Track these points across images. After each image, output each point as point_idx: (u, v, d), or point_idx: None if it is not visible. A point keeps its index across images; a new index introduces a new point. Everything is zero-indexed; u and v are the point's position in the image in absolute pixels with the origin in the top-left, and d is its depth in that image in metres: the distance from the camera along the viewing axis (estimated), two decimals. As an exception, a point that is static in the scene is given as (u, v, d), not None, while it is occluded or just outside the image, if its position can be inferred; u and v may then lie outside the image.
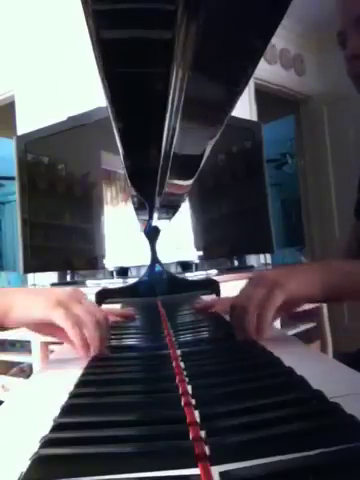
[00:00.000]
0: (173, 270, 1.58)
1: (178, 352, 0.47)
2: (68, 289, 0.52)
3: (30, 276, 2.26)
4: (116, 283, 1.54)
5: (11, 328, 0.50)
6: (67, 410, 0.31)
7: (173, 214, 0.97)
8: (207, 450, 0.23)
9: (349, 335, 1.84)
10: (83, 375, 0.41)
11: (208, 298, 0.94)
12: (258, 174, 2.09)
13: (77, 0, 0.21)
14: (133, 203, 0.84)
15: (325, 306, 1.97)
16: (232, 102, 0.34)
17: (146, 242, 1.02)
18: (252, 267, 2.27)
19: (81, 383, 0.38)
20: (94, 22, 0.22)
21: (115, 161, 1.70)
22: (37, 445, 0.25)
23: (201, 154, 0.48)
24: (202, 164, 0.52)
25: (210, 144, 0.44)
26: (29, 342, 1.82)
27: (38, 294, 0.51)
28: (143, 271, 1.05)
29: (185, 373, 0.38)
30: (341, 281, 0.54)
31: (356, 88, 0.77)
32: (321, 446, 0.22)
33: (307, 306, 1.67)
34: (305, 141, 3.30)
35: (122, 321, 0.72)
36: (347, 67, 0.75)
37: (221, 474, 0.21)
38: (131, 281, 1.10)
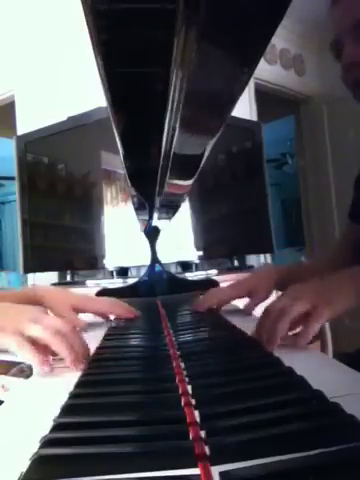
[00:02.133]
0: (173, 270, 1.58)
1: (178, 352, 0.47)
2: (31, 309, 0.51)
3: (30, 276, 2.26)
4: (116, 283, 1.54)
5: None
6: (67, 410, 0.31)
7: (173, 214, 0.97)
8: (207, 450, 0.23)
9: (349, 335, 1.84)
10: (83, 375, 0.41)
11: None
12: (258, 174, 2.09)
13: (77, 0, 0.21)
14: (133, 203, 0.84)
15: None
16: (232, 102, 0.34)
17: (146, 242, 1.02)
18: (252, 267, 2.27)
19: (81, 383, 0.38)
20: (94, 22, 0.22)
21: (115, 161, 1.70)
22: (37, 445, 0.25)
23: (201, 154, 0.48)
24: (202, 164, 0.52)
25: (210, 144, 0.44)
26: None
27: None
28: (143, 271, 1.05)
29: (185, 373, 0.38)
30: None
31: (354, 96, 0.75)
32: (321, 446, 0.22)
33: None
34: (305, 141, 3.30)
35: (123, 319, 0.72)
36: (344, 75, 0.73)
37: (221, 474, 0.21)
38: (131, 281, 1.10)
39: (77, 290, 1.59)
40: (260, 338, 0.50)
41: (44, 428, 0.27)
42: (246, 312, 0.76)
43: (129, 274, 1.64)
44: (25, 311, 0.51)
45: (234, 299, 0.82)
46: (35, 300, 0.69)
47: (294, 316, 0.49)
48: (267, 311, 0.52)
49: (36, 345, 0.46)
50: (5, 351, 0.47)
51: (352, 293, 0.54)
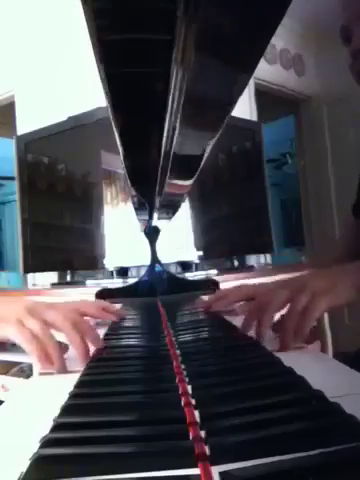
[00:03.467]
0: (173, 270, 1.58)
1: (178, 352, 0.47)
2: (28, 302, 0.51)
3: (30, 276, 2.26)
4: (116, 283, 1.54)
5: None
6: (67, 410, 0.31)
7: (173, 214, 0.97)
8: (207, 450, 0.23)
9: (349, 335, 1.84)
10: (83, 375, 0.41)
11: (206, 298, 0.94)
12: (258, 174, 2.09)
13: (77, 0, 0.21)
14: (133, 203, 0.84)
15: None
16: (232, 102, 0.34)
17: (146, 242, 1.02)
18: (252, 267, 2.27)
19: (81, 383, 0.38)
20: (94, 22, 0.22)
21: (115, 161, 1.70)
22: (37, 445, 0.25)
23: (201, 154, 0.48)
24: (202, 164, 0.52)
25: (210, 144, 0.44)
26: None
27: None
28: (143, 271, 1.05)
29: (185, 373, 0.38)
30: None
31: (359, 84, 0.75)
32: (321, 446, 0.22)
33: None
34: (305, 141, 3.30)
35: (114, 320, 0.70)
36: (351, 63, 0.73)
37: (221, 474, 0.21)
38: (131, 281, 1.10)
39: (76, 291, 1.59)
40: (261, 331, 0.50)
41: (44, 428, 0.27)
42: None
43: (129, 274, 1.64)
44: (20, 301, 0.51)
45: (242, 300, 0.81)
46: None
47: (299, 310, 0.50)
48: (269, 304, 0.52)
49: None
50: (6, 341, 0.47)
51: (351, 286, 0.53)
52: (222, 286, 1.02)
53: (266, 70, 2.75)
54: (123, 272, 1.64)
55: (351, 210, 0.92)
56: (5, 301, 0.52)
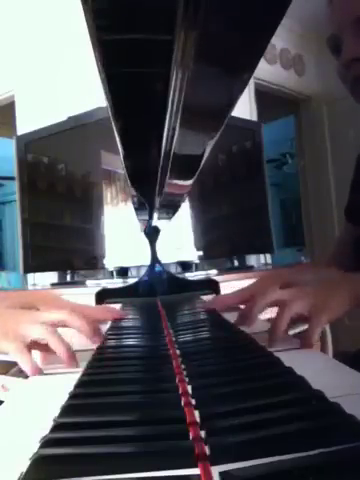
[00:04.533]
0: (173, 270, 1.58)
1: (178, 352, 0.47)
2: (22, 314, 0.51)
3: (30, 276, 2.26)
4: (116, 283, 1.54)
5: None
6: (67, 410, 0.31)
7: (173, 214, 0.97)
8: (207, 450, 0.23)
9: (349, 335, 1.84)
10: (83, 375, 0.41)
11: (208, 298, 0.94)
12: (258, 174, 2.09)
13: (77, 0, 0.21)
14: (133, 203, 0.84)
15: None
16: (232, 102, 0.34)
17: (146, 242, 1.02)
18: (252, 267, 2.27)
19: (81, 383, 0.38)
20: (94, 22, 0.22)
21: (115, 161, 1.70)
22: (37, 445, 0.25)
23: (201, 154, 0.48)
24: (202, 164, 0.51)
25: (210, 144, 0.44)
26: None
27: None
28: (143, 271, 1.05)
29: (185, 373, 0.38)
30: None
31: (352, 94, 0.72)
32: (321, 446, 0.22)
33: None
34: (305, 141, 3.30)
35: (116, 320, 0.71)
36: (342, 73, 0.70)
37: (221, 474, 0.21)
38: (131, 281, 1.10)
39: (76, 291, 1.59)
40: (245, 318, 0.51)
41: (44, 428, 0.27)
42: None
43: (129, 274, 1.64)
44: (24, 314, 0.51)
45: (239, 304, 0.81)
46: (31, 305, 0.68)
47: (294, 313, 0.50)
48: (264, 296, 0.53)
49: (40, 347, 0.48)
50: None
51: (347, 299, 0.53)
52: (222, 286, 1.02)
53: (266, 70, 2.75)
54: (123, 272, 1.64)
55: (344, 212, 0.93)
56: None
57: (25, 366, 0.47)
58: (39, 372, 0.47)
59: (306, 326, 0.50)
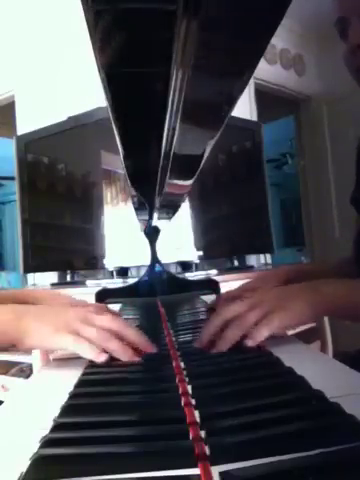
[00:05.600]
0: (173, 270, 1.58)
1: (178, 352, 0.47)
2: (79, 310, 0.52)
3: (30, 276, 2.26)
4: (116, 283, 1.54)
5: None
6: (67, 410, 0.31)
7: (173, 214, 0.97)
8: (207, 450, 0.23)
9: (349, 335, 1.83)
10: (83, 375, 0.41)
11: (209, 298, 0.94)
12: (258, 174, 2.09)
13: (77, 0, 0.21)
14: (133, 203, 0.84)
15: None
16: (232, 102, 0.34)
17: (146, 242, 1.02)
18: (252, 267, 2.27)
19: (81, 383, 0.38)
20: (94, 22, 0.22)
21: (115, 161, 1.70)
22: (37, 445, 0.25)
23: (201, 154, 0.48)
24: (202, 164, 0.51)
25: (210, 144, 0.44)
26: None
27: (47, 319, 0.50)
28: (143, 271, 1.05)
29: (185, 373, 0.38)
30: (330, 305, 0.53)
31: (357, 81, 0.70)
32: (321, 446, 0.22)
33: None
34: (305, 141, 3.30)
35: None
36: (348, 59, 0.69)
37: (221, 474, 0.21)
38: (131, 281, 1.10)
39: (76, 291, 1.59)
40: (204, 340, 0.48)
41: (44, 428, 0.27)
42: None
43: (129, 274, 1.64)
44: (71, 311, 0.51)
45: None
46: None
47: (246, 326, 0.48)
48: (219, 315, 0.50)
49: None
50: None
51: (309, 305, 0.51)
52: (222, 286, 1.02)
53: (266, 70, 2.75)
54: (123, 272, 1.64)
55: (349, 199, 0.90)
56: (51, 311, 0.52)
57: (90, 353, 0.45)
58: (106, 356, 0.46)
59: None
